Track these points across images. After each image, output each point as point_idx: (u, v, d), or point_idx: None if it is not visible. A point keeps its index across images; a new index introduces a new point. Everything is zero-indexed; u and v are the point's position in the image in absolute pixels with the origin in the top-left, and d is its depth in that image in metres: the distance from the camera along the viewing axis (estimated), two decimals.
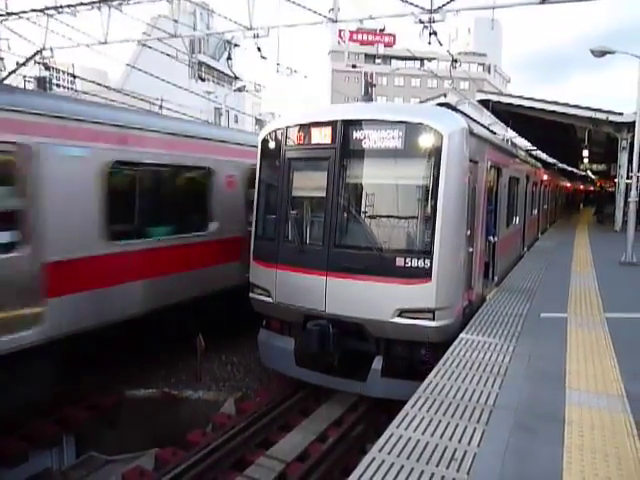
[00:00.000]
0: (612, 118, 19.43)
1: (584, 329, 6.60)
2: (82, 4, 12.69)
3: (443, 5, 10.91)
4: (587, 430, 3.89)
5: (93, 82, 8.42)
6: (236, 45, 28.67)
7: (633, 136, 14.38)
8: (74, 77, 9.10)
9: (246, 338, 9.43)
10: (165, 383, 8.25)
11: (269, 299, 7.39)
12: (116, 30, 13.69)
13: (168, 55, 16.00)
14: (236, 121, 42.62)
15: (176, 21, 14.36)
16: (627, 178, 19.90)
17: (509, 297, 8.33)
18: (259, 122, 43.51)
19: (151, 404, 7.81)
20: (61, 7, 12.81)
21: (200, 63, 41.90)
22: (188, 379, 8.43)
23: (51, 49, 13.96)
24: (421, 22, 11.14)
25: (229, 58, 29.53)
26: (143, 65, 19.56)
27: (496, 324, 6.74)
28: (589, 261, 12.41)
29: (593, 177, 50.46)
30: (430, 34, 11.33)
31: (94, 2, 12.58)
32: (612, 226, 20.93)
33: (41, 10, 13.11)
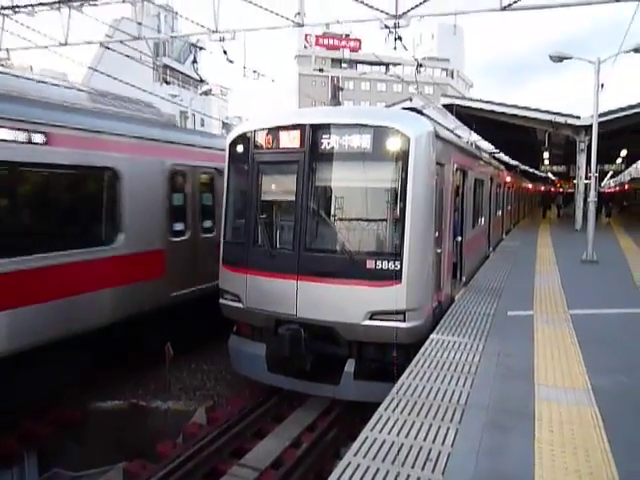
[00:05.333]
0: (570, 121, 20.12)
1: (550, 326, 6.77)
2: (41, 4, 12.27)
3: (408, 11, 11.09)
4: (556, 425, 3.98)
5: (56, 85, 8.19)
6: (201, 48, 28.37)
7: (590, 138, 14.88)
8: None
9: (215, 344, 9.28)
10: (132, 394, 8.02)
11: (239, 304, 7.30)
12: (77, 32, 13.29)
13: (130, 57, 15.64)
14: (202, 125, 42.09)
15: (140, 23, 14.05)
16: (585, 179, 20.65)
17: (477, 297, 8.47)
18: (226, 126, 43.12)
19: (118, 416, 7.57)
20: (17, 7, 12.36)
21: (165, 66, 41.23)
22: (157, 389, 8.22)
23: (7, 50, 13.45)
24: (386, 27, 11.27)
25: (194, 61, 29.21)
26: (106, 68, 19.09)
27: (465, 324, 6.84)
28: (552, 260, 12.78)
29: (553, 178, 51.75)
30: (395, 39, 11.49)
31: (54, 2, 12.19)
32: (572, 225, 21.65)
33: None
